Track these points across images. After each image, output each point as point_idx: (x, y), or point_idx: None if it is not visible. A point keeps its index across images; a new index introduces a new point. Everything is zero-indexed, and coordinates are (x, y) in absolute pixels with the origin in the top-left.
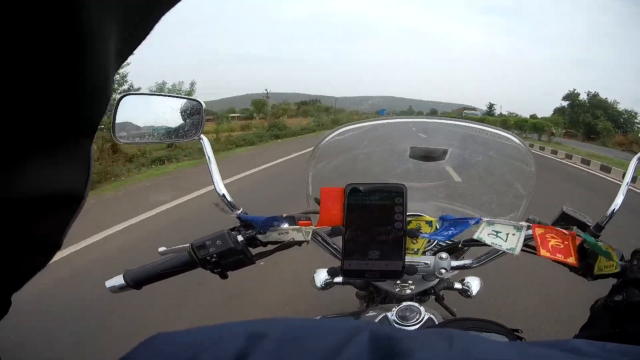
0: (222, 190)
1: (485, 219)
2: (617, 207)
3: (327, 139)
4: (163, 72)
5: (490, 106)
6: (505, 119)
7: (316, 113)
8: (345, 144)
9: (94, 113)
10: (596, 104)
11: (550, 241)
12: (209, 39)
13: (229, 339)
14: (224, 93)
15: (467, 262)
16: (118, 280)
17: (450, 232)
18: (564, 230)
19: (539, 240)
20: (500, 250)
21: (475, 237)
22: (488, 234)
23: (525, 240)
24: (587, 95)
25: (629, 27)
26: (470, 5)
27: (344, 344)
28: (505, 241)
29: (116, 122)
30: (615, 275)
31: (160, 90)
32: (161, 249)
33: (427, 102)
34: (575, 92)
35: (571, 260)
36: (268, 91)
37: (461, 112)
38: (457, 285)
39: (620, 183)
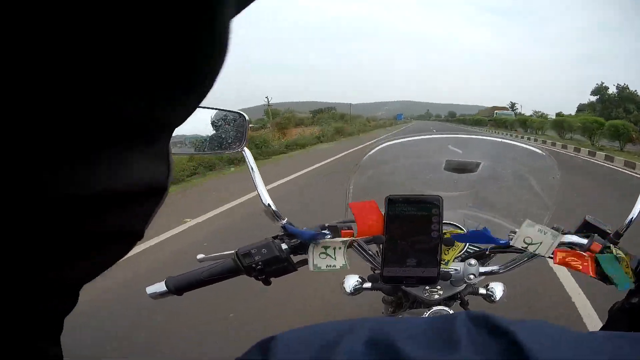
0: (267, 200)
1: (524, 224)
2: (635, 216)
3: (368, 155)
4: None
5: (512, 106)
6: (560, 120)
7: (327, 121)
8: (384, 158)
9: (178, 111)
10: (626, 97)
11: (571, 263)
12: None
13: (356, 332)
14: (246, 102)
15: (494, 268)
16: (160, 287)
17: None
18: (583, 254)
19: (561, 263)
20: (530, 255)
21: (511, 243)
22: (523, 241)
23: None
24: (617, 88)
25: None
26: (479, 6)
27: (450, 327)
28: (537, 248)
29: None
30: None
31: None
32: (199, 257)
33: (444, 105)
34: (604, 85)
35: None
36: (270, 98)
37: (492, 113)
38: (482, 291)
39: None
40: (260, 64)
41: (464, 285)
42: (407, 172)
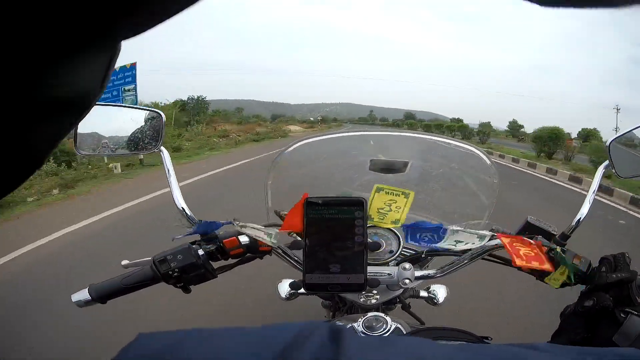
0: (181, 204)
1: (452, 227)
2: (583, 216)
3: (284, 153)
4: None
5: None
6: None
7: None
8: (304, 157)
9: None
10: None
11: (520, 250)
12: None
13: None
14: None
15: (430, 272)
16: (84, 294)
17: (417, 236)
18: (529, 240)
19: (510, 249)
20: (470, 256)
21: (440, 245)
22: (454, 241)
23: (490, 249)
24: None
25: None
26: (435, 12)
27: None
28: (468, 245)
29: (78, 132)
30: (583, 281)
31: None
32: (124, 262)
33: (393, 109)
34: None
35: (547, 266)
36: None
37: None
38: (423, 294)
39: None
40: (206, 64)
41: (402, 289)
42: (329, 173)
